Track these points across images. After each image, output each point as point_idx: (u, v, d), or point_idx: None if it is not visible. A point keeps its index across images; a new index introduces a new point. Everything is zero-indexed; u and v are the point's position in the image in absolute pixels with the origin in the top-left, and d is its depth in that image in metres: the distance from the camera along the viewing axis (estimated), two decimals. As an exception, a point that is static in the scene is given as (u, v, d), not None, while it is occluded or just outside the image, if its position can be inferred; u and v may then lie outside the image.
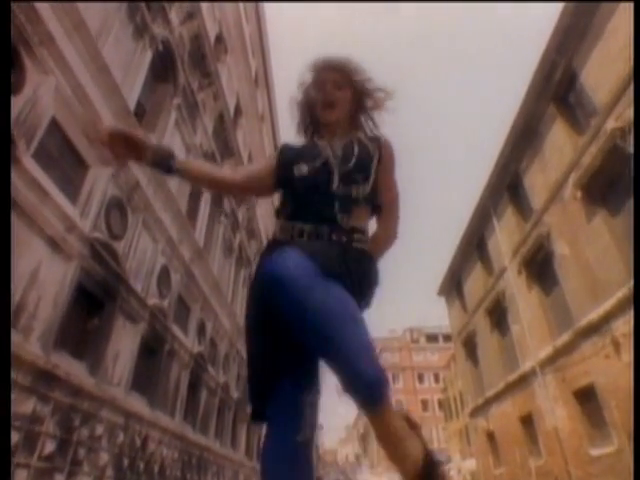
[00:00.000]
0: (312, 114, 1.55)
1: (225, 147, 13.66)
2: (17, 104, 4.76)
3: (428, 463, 0.96)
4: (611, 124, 8.43)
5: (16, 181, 4.62)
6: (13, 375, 4.37)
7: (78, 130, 6.08)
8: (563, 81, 10.47)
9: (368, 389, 0.93)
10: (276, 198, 1.62)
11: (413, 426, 1.02)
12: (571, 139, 10.29)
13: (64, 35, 5.63)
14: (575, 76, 10.00)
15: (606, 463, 9.01)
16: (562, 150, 10.53)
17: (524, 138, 12.27)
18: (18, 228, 4.72)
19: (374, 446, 50.45)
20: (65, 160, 5.98)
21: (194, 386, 10.44)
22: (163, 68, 9.47)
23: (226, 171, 1.47)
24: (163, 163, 1.30)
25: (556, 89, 10.74)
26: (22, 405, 4.51)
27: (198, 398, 10.75)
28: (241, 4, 16.16)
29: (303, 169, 1.33)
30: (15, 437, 4.37)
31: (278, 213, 1.39)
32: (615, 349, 8.52)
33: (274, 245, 1.26)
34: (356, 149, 1.38)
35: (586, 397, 9.76)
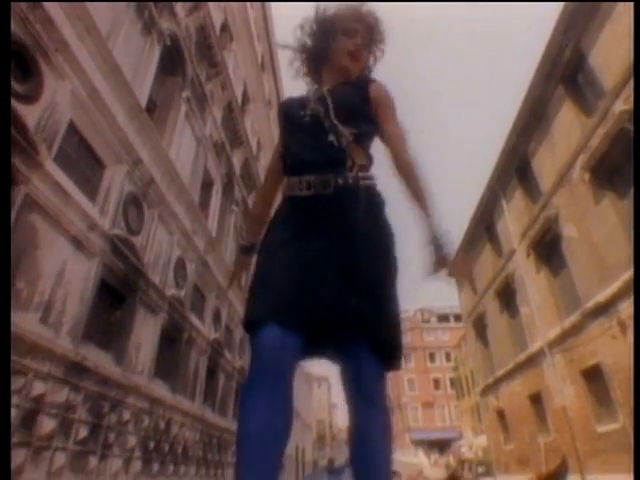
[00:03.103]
0: (325, 59, 1.51)
1: (234, 136, 13.82)
2: (36, 111, 4.96)
3: None
4: (619, 106, 8.41)
5: (40, 185, 4.87)
6: (47, 368, 4.72)
7: (94, 131, 6.30)
8: (571, 62, 10.37)
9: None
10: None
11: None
12: (579, 121, 10.25)
13: (77, 40, 5.78)
14: (583, 57, 9.90)
15: (612, 439, 9.28)
16: (570, 132, 10.50)
17: (532, 120, 12.21)
18: (43, 230, 4.99)
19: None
20: (83, 161, 6.21)
21: (212, 371, 10.86)
22: (171, 62, 9.57)
23: (263, 194, 1.65)
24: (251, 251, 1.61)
25: (564, 70, 10.65)
26: (56, 395, 4.87)
27: (216, 382, 11.19)
28: (245, -10, 16.02)
29: (298, 121, 1.37)
30: (52, 424, 4.74)
31: (285, 170, 1.40)
32: (621, 330, 8.68)
33: (285, 206, 1.33)
34: (341, 91, 1.41)
35: (593, 376, 9.98)
